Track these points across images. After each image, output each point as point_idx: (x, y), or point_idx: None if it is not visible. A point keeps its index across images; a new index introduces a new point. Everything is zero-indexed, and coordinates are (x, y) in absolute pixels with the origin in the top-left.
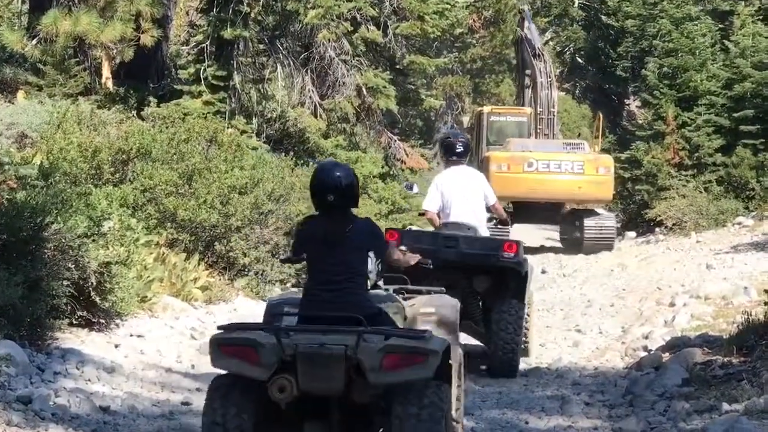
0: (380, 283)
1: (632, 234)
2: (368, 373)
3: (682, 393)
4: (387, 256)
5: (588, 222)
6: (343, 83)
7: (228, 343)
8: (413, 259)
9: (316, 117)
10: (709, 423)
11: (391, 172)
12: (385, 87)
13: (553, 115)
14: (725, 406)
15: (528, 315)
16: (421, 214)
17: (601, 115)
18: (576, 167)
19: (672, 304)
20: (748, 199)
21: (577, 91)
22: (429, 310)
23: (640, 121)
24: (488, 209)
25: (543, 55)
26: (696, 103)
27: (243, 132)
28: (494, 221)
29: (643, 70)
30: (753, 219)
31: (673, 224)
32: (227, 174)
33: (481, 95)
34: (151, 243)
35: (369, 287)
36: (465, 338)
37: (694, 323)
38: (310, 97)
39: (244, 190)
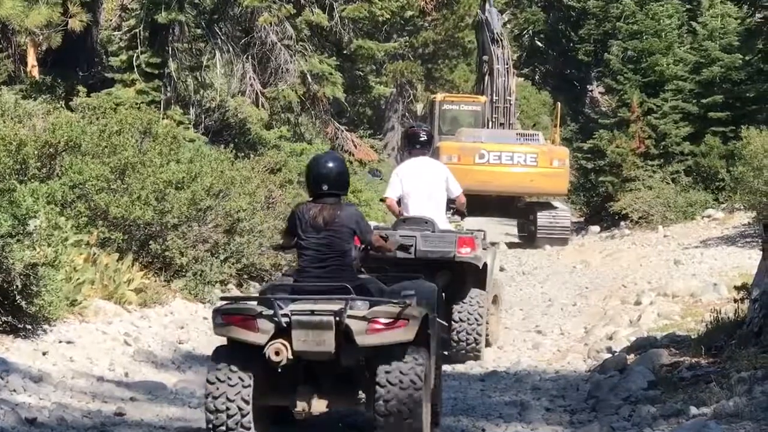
0: (363, 270)
1: (596, 228)
2: (356, 336)
3: (648, 397)
4: (373, 242)
5: (541, 215)
6: (287, 70)
7: (229, 312)
8: (393, 245)
9: (257, 106)
10: (676, 428)
11: (307, 164)
12: (331, 74)
13: (510, 104)
14: (693, 410)
15: (494, 301)
16: (382, 200)
17: (559, 103)
18: (529, 159)
19: (638, 303)
20: (717, 190)
21: (536, 77)
22: (408, 292)
23: (604, 109)
24: (451, 201)
25: (502, 41)
26: (662, 88)
27: (179, 123)
28: (451, 210)
29: (606, 53)
30: (723, 211)
31: (639, 218)
32: (162, 168)
33: (433, 82)
34: (81, 243)
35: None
36: None
37: (661, 322)
38: (251, 85)
39: (180, 185)
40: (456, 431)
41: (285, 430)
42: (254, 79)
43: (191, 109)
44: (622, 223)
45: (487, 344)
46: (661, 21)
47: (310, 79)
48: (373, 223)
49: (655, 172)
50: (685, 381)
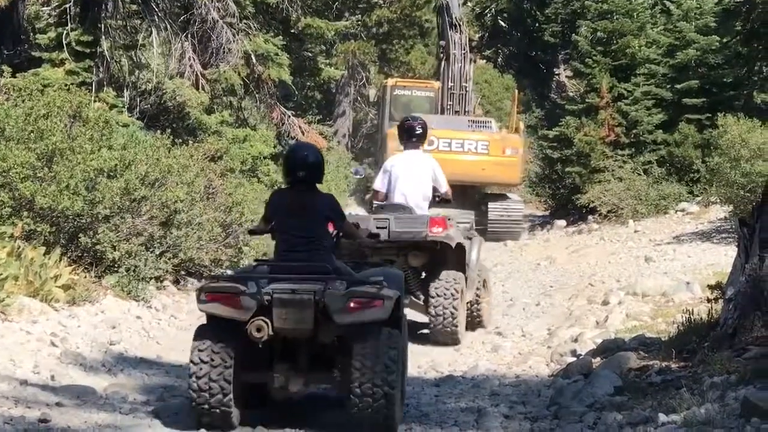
0: (334, 257)
1: (562, 222)
2: (334, 314)
3: (614, 403)
4: (345, 227)
5: (492, 207)
6: (229, 50)
7: (213, 290)
8: (364, 232)
9: (197, 89)
10: None
11: (285, 153)
12: (277, 54)
13: (466, 91)
14: (662, 418)
15: (482, 285)
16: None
17: (516, 89)
18: (480, 147)
19: (605, 303)
20: (692, 182)
21: (499, 59)
22: (378, 278)
23: (571, 94)
24: (438, 196)
25: (460, 26)
26: (633, 72)
27: (112, 106)
28: (437, 198)
29: (574, 34)
30: (698, 205)
31: (608, 211)
32: (93, 155)
33: (388, 64)
34: (4, 235)
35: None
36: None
37: (630, 324)
38: (191, 66)
39: (113, 173)
40: None
41: (262, 414)
42: (194, 60)
43: (125, 91)
44: (590, 217)
45: (482, 326)
46: (633, 0)
47: (254, 60)
48: (352, 211)
49: (626, 163)
50: (655, 386)
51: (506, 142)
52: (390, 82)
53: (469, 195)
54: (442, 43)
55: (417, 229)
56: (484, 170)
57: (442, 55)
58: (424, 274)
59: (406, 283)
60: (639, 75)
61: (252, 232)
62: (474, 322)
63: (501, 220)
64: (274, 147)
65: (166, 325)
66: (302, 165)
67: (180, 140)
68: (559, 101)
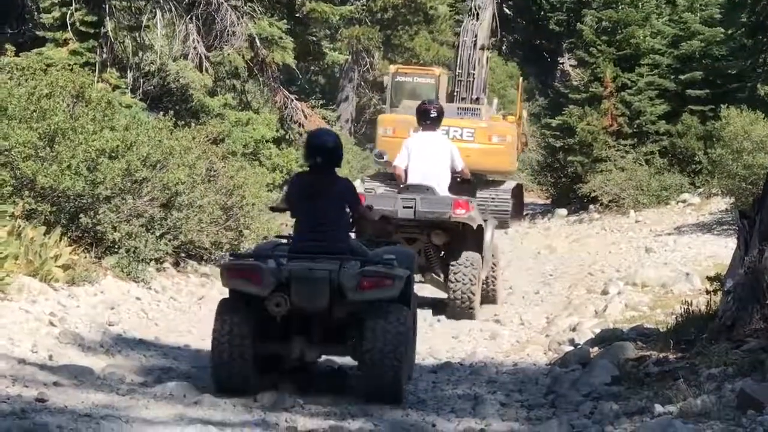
0: (351, 236)
1: (563, 211)
2: (347, 292)
3: (611, 392)
4: (359, 210)
5: (480, 194)
6: (233, 33)
7: (236, 268)
8: (376, 214)
9: (201, 71)
10: (640, 426)
11: (288, 137)
12: (281, 38)
13: (473, 78)
14: (658, 408)
15: (494, 264)
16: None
17: (521, 78)
18: (466, 134)
19: (605, 292)
20: (694, 173)
21: (503, 47)
22: (390, 256)
23: (575, 83)
24: (456, 173)
25: (478, 13)
26: (638, 62)
27: (115, 87)
28: (457, 179)
29: (579, 23)
30: (699, 196)
31: (610, 201)
32: (96, 135)
33: (392, 50)
34: (5, 214)
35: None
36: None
37: (629, 314)
38: (195, 48)
39: (115, 154)
40: (404, 426)
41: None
42: (198, 42)
43: (129, 72)
44: (591, 206)
45: (494, 302)
46: None
47: (258, 44)
48: (381, 190)
49: (628, 153)
50: (651, 377)
51: (493, 130)
52: (392, 68)
53: (462, 182)
54: (458, 29)
55: (442, 209)
56: (469, 157)
57: (456, 42)
58: (443, 253)
59: (428, 260)
60: (643, 65)
61: (273, 209)
62: (488, 297)
63: (485, 208)
64: (277, 131)
65: (165, 307)
66: (321, 150)
67: (182, 122)
68: (563, 90)
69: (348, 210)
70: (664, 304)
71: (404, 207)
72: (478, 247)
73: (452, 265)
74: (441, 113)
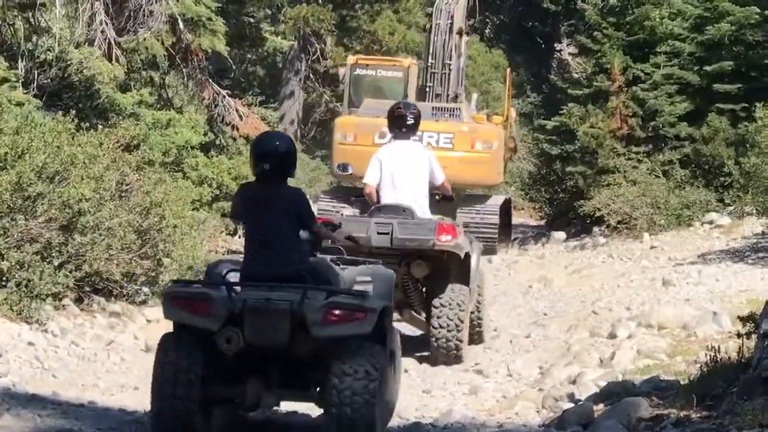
0: (317, 254)
1: (561, 235)
2: (311, 327)
3: None
4: (313, 228)
5: (461, 213)
6: (150, 13)
7: (181, 296)
8: (341, 235)
9: (110, 61)
10: None
11: (218, 142)
12: (210, 19)
13: (449, 70)
14: None
15: (480, 298)
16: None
17: (509, 70)
18: (443, 140)
19: (612, 336)
20: (723, 187)
21: (486, 31)
22: (364, 278)
23: (575, 75)
24: (434, 189)
25: None
26: (653, 50)
27: (3, 80)
28: (437, 197)
29: (580, 1)
30: (729, 216)
31: (619, 222)
32: None
33: (349, 34)
34: None
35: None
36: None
37: (642, 363)
38: (103, 32)
39: (2, 163)
40: None
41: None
42: (106, 25)
43: (20, 62)
44: (596, 228)
45: (480, 340)
46: None
47: (181, 26)
48: (348, 211)
49: (641, 162)
50: None
51: (476, 135)
52: (350, 59)
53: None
54: (430, 9)
55: (424, 236)
56: (447, 168)
57: (428, 25)
58: (423, 287)
59: (406, 295)
60: (659, 54)
61: (231, 218)
62: (473, 336)
63: (468, 229)
64: (205, 135)
65: (65, 353)
66: (269, 156)
67: (87, 124)
68: (561, 84)
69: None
70: (685, 351)
71: (379, 233)
72: (465, 278)
73: (436, 302)
74: (418, 119)
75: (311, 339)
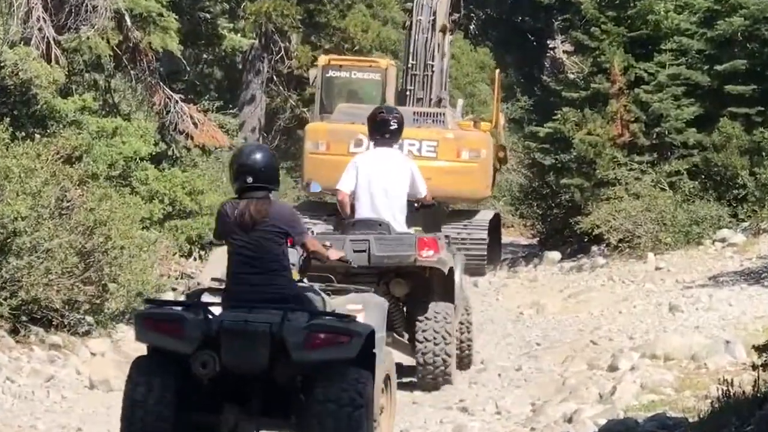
0: (304, 280)
1: (555, 255)
2: (292, 350)
3: None
4: (307, 245)
5: (446, 230)
6: (94, 8)
7: (153, 317)
8: (334, 255)
9: (49, 62)
10: None
11: (171, 152)
12: (161, 15)
13: (432, 71)
14: None
15: (468, 321)
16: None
17: (499, 71)
18: (426, 149)
19: (613, 368)
20: (736, 201)
21: (471, 27)
22: (355, 307)
23: (571, 76)
24: (418, 201)
25: None
26: (657, 48)
27: None
28: (417, 204)
29: None
30: (744, 233)
31: (620, 241)
32: None
33: (317, 32)
34: None
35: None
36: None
37: (646, 398)
38: (40, 29)
39: None
40: None
41: None
42: (44, 21)
43: None
44: (595, 248)
45: (467, 366)
46: None
47: (129, 23)
48: (320, 228)
49: (645, 173)
50: None
51: (462, 143)
52: (322, 60)
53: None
54: (409, 5)
55: (404, 252)
56: (431, 180)
57: (407, 22)
58: (404, 307)
59: (388, 317)
60: (665, 51)
61: (211, 244)
62: (462, 361)
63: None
64: (156, 144)
65: None
66: (251, 169)
67: (23, 133)
68: (554, 86)
69: (297, 250)
70: (694, 384)
71: (355, 251)
72: (449, 295)
73: (420, 320)
74: (402, 124)
75: (292, 363)
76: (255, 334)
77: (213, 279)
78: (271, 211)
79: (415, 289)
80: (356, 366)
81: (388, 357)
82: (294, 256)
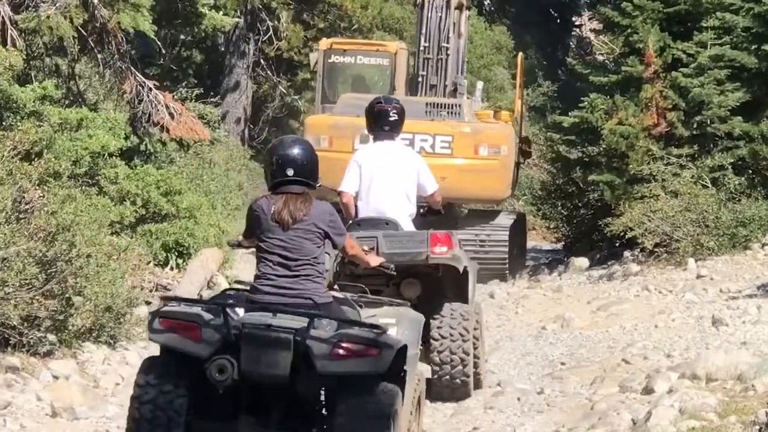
0: (336, 287)
1: (582, 262)
2: (316, 360)
3: None
4: (346, 248)
5: (462, 235)
6: None
7: (169, 316)
8: (375, 260)
9: (5, 45)
10: None
11: (144, 147)
12: None
13: (447, 55)
14: None
15: (478, 331)
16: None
17: (521, 54)
18: (440, 144)
19: (648, 391)
20: None
21: (487, 2)
22: (389, 320)
23: (599, 58)
24: (423, 199)
25: None
26: (697, 25)
27: None
28: (423, 208)
29: None
30: None
31: (656, 245)
32: None
33: (309, 8)
34: None
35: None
36: None
37: (686, 424)
38: None
39: None
40: None
41: None
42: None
43: None
44: (628, 253)
45: (478, 385)
46: None
47: (95, 0)
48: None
49: (684, 168)
50: None
51: (481, 137)
52: (323, 44)
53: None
54: None
55: (416, 248)
56: (446, 179)
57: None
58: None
59: None
60: (706, 29)
61: (233, 245)
62: (474, 378)
63: (473, 252)
64: (126, 138)
65: None
66: (293, 161)
67: None
68: (581, 69)
69: (330, 255)
70: (741, 409)
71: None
72: (463, 296)
73: (434, 319)
74: (402, 115)
75: (316, 375)
76: (278, 341)
77: (237, 281)
78: (312, 209)
79: (427, 290)
80: (386, 381)
81: (421, 380)
82: (328, 261)
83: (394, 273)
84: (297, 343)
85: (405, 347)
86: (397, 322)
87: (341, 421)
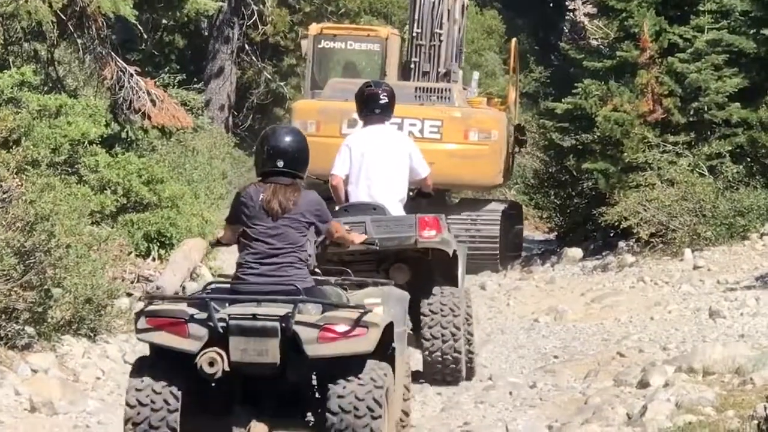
0: (317, 271)
1: (576, 252)
2: (305, 345)
3: None
4: (331, 231)
5: (451, 223)
6: None
7: (155, 314)
8: (358, 238)
9: None
10: None
11: (125, 135)
12: None
13: (440, 41)
14: None
15: (468, 332)
16: (325, 182)
17: (515, 40)
18: (429, 129)
19: (643, 384)
20: None
21: None
22: (374, 300)
23: (594, 43)
24: (414, 184)
25: None
26: (694, 9)
27: None
28: (412, 192)
29: None
30: None
31: (652, 235)
32: None
33: None
34: None
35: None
36: None
37: (682, 419)
38: None
39: None
40: None
41: None
42: None
43: None
44: (622, 243)
45: (470, 375)
46: None
47: None
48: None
49: (681, 156)
50: None
51: (470, 122)
52: (313, 29)
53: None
54: None
55: (404, 233)
56: (435, 164)
57: None
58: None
59: None
60: (703, 13)
61: (214, 244)
62: (466, 361)
63: (464, 239)
64: (107, 125)
65: None
66: (283, 152)
67: None
68: (574, 54)
69: (315, 233)
70: (739, 403)
71: None
72: (453, 280)
73: (424, 307)
74: (393, 98)
75: (305, 360)
76: (264, 329)
77: (220, 275)
78: (300, 199)
79: (417, 275)
80: (374, 359)
81: (409, 363)
82: (310, 247)
83: (378, 248)
84: (284, 330)
85: (391, 324)
86: (382, 301)
87: (334, 403)
